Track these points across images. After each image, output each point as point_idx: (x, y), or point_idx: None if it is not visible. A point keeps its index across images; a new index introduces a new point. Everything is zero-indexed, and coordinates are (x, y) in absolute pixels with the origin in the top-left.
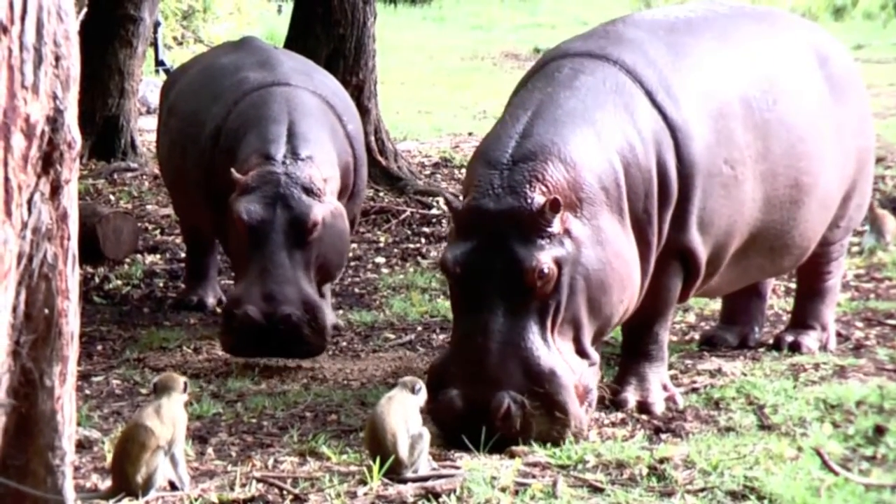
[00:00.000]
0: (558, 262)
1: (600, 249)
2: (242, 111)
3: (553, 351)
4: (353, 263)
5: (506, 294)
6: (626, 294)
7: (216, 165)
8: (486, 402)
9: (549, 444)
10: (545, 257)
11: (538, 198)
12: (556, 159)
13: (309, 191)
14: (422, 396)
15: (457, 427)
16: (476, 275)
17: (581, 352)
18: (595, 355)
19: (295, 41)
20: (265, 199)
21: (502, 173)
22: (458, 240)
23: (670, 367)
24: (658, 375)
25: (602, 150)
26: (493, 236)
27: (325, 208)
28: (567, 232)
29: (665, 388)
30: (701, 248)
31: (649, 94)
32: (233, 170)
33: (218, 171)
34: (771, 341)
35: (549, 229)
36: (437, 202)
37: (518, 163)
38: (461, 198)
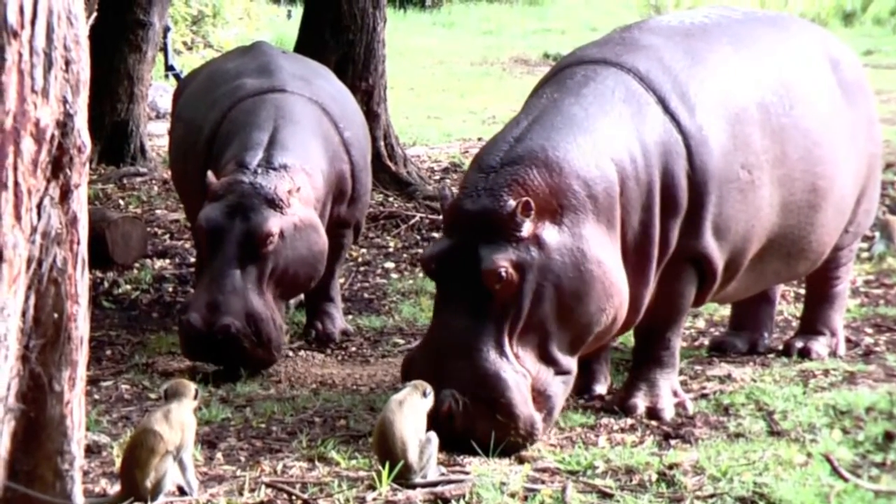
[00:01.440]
0: (520, 267)
1: (579, 257)
2: (234, 117)
3: (507, 355)
4: (362, 268)
5: (469, 295)
6: (610, 304)
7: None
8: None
9: (502, 447)
10: (503, 261)
11: (511, 201)
12: (542, 164)
13: (271, 202)
14: (430, 400)
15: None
16: (447, 274)
17: (546, 358)
18: (567, 363)
19: (304, 46)
20: (226, 209)
21: (488, 176)
22: (440, 238)
23: (680, 372)
24: (668, 381)
25: (596, 159)
26: (467, 237)
27: (287, 220)
28: (537, 238)
29: (675, 394)
30: (717, 253)
31: (662, 102)
32: (210, 173)
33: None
34: (780, 347)
35: (518, 233)
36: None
37: (504, 166)
38: None
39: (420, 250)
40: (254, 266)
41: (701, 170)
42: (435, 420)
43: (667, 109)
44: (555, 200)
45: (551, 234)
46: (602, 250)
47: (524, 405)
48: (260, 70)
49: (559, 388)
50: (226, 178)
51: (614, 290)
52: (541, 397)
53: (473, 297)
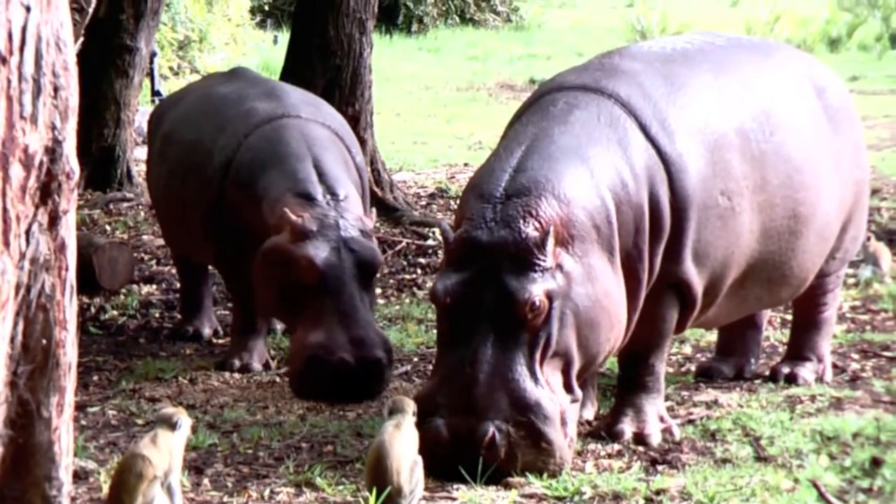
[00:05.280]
0: (549, 296)
1: (590, 287)
2: (255, 144)
3: (541, 382)
4: None
5: (496, 325)
6: (613, 333)
7: (227, 199)
8: (472, 431)
9: (542, 476)
10: (537, 290)
11: (532, 231)
12: (550, 195)
13: (364, 232)
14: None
15: (443, 457)
16: (467, 306)
17: (567, 386)
18: (578, 392)
19: (291, 72)
20: (331, 244)
21: (496, 207)
22: (448, 270)
23: (666, 398)
24: (654, 407)
25: (594, 188)
26: (486, 268)
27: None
28: (559, 266)
29: (661, 419)
30: (696, 279)
31: (643, 128)
32: (287, 210)
33: (228, 204)
34: (767, 373)
35: (543, 263)
36: (433, 233)
37: (512, 197)
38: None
39: (406, 276)
40: (367, 296)
41: (682, 196)
42: (474, 450)
43: (648, 136)
44: (565, 231)
45: (568, 264)
46: (608, 279)
47: (560, 433)
48: (267, 95)
49: (575, 415)
50: (309, 214)
51: (619, 319)
52: (564, 425)
53: (500, 327)
